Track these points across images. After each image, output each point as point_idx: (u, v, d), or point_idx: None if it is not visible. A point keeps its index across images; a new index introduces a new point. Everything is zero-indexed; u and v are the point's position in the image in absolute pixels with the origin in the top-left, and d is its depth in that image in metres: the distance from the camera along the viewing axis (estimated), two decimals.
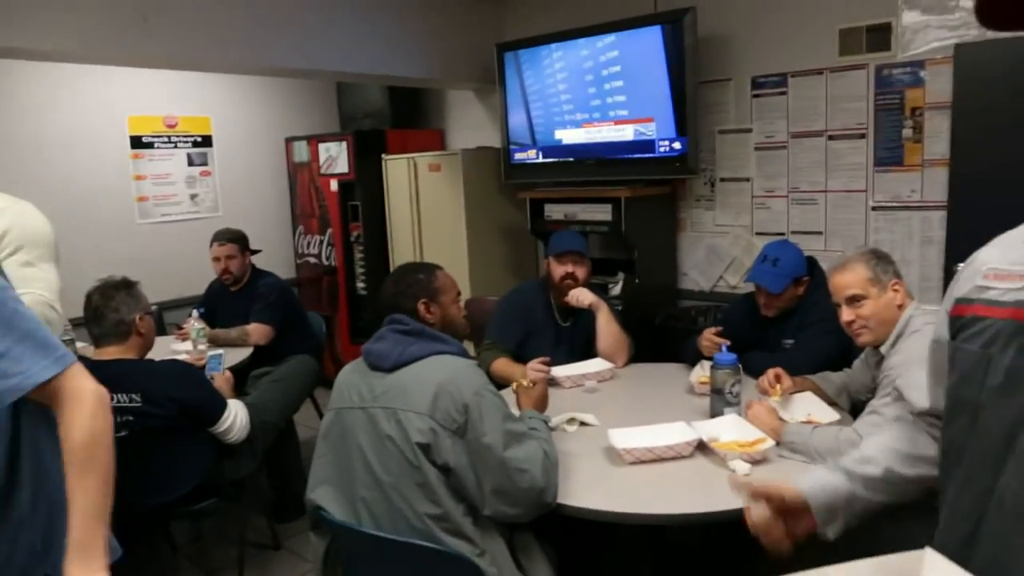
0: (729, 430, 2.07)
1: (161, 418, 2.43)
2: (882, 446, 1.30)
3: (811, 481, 1.26)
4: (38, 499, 1.23)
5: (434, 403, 1.79)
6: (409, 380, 1.85)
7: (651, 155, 3.88)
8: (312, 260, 5.45)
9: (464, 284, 4.52)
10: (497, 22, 4.78)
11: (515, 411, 2.03)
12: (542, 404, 2.20)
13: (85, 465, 1.15)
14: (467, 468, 1.78)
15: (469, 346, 4.31)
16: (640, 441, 2.02)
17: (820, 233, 3.68)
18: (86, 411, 1.17)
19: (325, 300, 5.33)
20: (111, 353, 2.51)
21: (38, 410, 1.22)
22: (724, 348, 2.27)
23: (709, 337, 2.64)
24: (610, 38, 3.90)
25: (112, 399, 2.31)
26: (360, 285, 5.21)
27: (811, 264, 2.73)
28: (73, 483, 1.15)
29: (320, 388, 3.86)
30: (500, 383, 2.79)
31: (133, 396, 2.42)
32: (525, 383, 2.24)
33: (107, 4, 3.09)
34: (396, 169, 4.95)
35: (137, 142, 4.94)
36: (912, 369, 1.26)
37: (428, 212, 4.80)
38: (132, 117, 4.92)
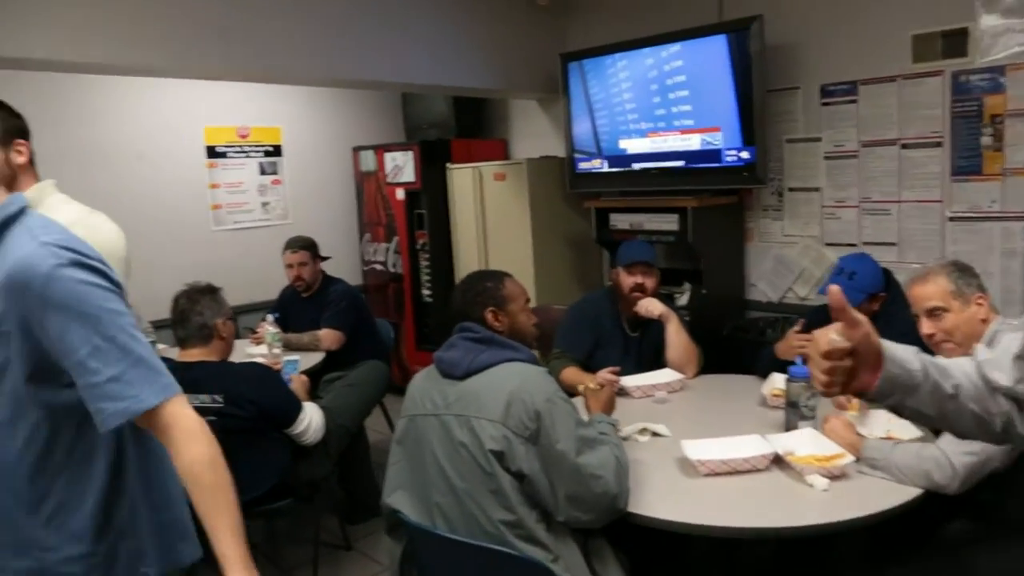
0: (805, 444, 2.05)
1: (241, 419, 2.52)
2: (966, 374, 1.18)
3: (895, 349, 1.11)
4: (138, 510, 1.29)
5: (507, 410, 1.82)
6: (481, 388, 1.88)
7: (718, 165, 3.86)
8: (378, 267, 5.56)
9: (529, 293, 4.54)
10: (560, 32, 4.82)
11: (584, 416, 2.05)
12: (610, 407, 2.23)
13: (215, 489, 1.20)
14: (540, 475, 1.80)
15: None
16: (715, 453, 2.02)
17: (894, 244, 3.60)
18: (198, 437, 1.22)
19: (391, 307, 5.42)
20: (194, 355, 2.61)
21: (139, 428, 1.28)
22: (799, 361, 2.24)
23: (797, 337, 2.60)
24: (675, 47, 3.90)
25: (195, 400, 2.43)
26: (425, 292, 5.29)
27: (887, 277, 2.68)
28: (208, 505, 1.19)
29: (389, 394, 3.93)
30: (570, 392, 2.82)
31: (215, 397, 2.51)
32: (592, 386, 2.26)
33: (187, 22, 3.22)
34: (461, 178, 5.02)
35: (212, 152, 5.12)
36: (996, 353, 1.19)
37: (493, 221, 4.86)
38: (208, 128, 5.10)
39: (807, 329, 2.73)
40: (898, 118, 3.52)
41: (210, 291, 2.65)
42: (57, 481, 1.20)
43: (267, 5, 3.45)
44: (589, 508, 1.79)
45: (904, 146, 3.52)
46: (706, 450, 2.05)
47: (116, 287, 1.22)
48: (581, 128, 4.45)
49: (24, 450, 1.18)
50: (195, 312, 2.58)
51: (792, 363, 2.25)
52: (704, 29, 3.80)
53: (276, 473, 2.68)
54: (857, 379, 1.07)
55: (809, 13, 3.75)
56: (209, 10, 3.27)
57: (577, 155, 4.51)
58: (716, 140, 3.84)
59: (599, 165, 4.41)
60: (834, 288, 1.03)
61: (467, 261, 5.00)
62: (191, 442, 1.21)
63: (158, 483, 1.32)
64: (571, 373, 2.88)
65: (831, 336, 1.03)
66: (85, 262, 1.18)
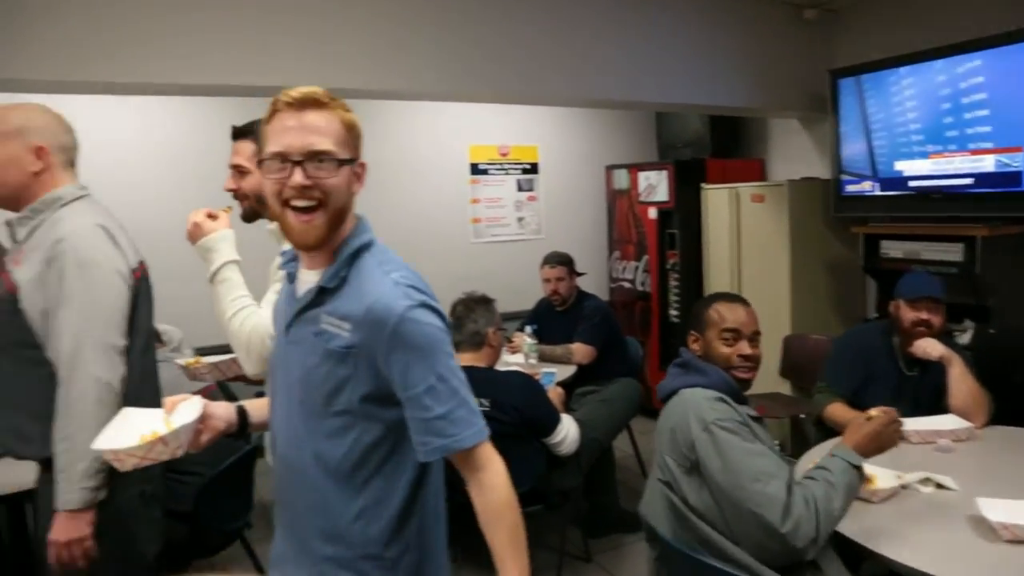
0: None
1: (504, 424, 2.66)
2: None
3: None
4: (424, 527, 1.38)
5: (672, 440, 1.83)
6: (663, 417, 1.93)
7: (1017, 189, 3.44)
8: (626, 285, 5.61)
9: (784, 320, 4.36)
10: (828, 47, 4.57)
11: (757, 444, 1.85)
12: (872, 444, 1.88)
13: (513, 529, 1.28)
14: (712, 507, 1.76)
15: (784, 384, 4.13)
16: (1021, 517, 1.80)
17: None
18: (504, 481, 1.30)
19: (637, 325, 5.44)
20: (465, 360, 2.80)
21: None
22: None
23: None
24: (974, 60, 3.53)
25: None
26: (673, 312, 5.25)
27: None
28: (504, 544, 1.27)
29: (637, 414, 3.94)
30: (836, 430, 2.66)
31: (483, 401, 2.67)
32: (874, 413, 1.95)
33: (461, 50, 3.48)
34: (716, 199, 4.92)
35: (475, 168, 5.47)
36: None
37: (749, 243, 4.71)
38: (473, 146, 5.46)
39: None
40: None
41: (485, 301, 2.84)
42: (370, 484, 1.32)
43: (530, 31, 3.63)
44: (758, 545, 1.70)
45: None
46: (1009, 512, 1.83)
47: (448, 327, 1.34)
48: (852, 148, 4.18)
49: (348, 451, 1.31)
50: (470, 319, 2.78)
51: None
52: (1014, 35, 3.40)
53: (531, 479, 2.80)
54: None
55: None
56: (479, 38, 3.52)
57: (844, 177, 4.25)
58: (1016, 162, 3.43)
59: (869, 188, 4.12)
60: None
61: (718, 283, 4.88)
62: (497, 484, 1.29)
63: (433, 508, 1.41)
64: (838, 409, 2.72)
65: None
66: (430, 304, 1.30)
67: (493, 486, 1.29)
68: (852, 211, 4.23)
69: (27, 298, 1.75)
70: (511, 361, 3.70)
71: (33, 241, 1.80)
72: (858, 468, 1.82)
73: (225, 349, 1.97)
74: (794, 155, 5.11)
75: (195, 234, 1.87)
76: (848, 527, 1.84)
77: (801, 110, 4.61)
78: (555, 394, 3.06)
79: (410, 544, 1.35)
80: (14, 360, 1.79)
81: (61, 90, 2.93)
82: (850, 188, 4.22)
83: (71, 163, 1.90)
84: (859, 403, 2.70)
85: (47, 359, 1.75)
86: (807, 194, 4.49)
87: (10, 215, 1.87)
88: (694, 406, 1.84)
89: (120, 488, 1.78)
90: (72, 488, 1.70)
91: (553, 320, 4.03)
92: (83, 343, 1.71)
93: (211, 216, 1.88)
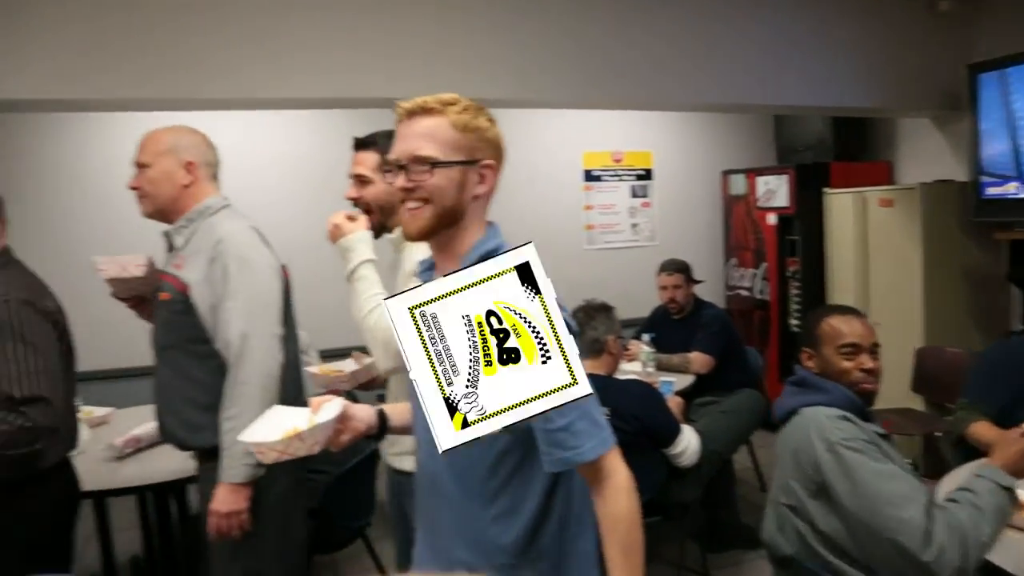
0: None
1: (624, 432, 2.61)
2: None
3: None
4: (558, 536, 1.37)
5: (795, 463, 1.74)
6: (783, 437, 1.83)
7: None
8: (743, 293, 5.46)
9: (916, 331, 4.13)
10: (964, 40, 4.29)
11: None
12: (1020, 464, 1.76)
13: (629, 547, 1.26)
14: (843, 533, 1.67)
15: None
16: None
17: None
18: (624, 494, 1.27)
19: (755, 334, 5.28)
20: (584, 368, 2.79)
21: None
22: None
23: None
24: None
25: None
26: (793, 322, 5.06)
27: None
28: (618, 561, 1.25)
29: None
30: (980, 450, 2.49)
31: (603, 409, 2.65)
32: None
33: (579, 58, 3.49)
34: (840, 203, 4.72)
35: (588, 175, 5.47)
36: None
37: (877, 250, 4.49)
38: (586, 153, 5.46)
39: None
40: None
41: (605, 309, 2.82)
42: (502, 492, 1.33)
43: (645, 37, 3.59)
44: (894, 571, 1.60)
45: None
46: None
47: (576, 335, 1.34)
48: (994, 148, 3.92)
49: (479, 459, 1.33)
50: (590, 327, 2.77)
51: None
52: None
53: (650, 489, 2.76)
54: None
55: None
56: (595, 46, 3.51)
57: (985, 178, 3.99)
58: None
59: (1014, 190, 3.84)
60: None
61: (842, 292, 4.68)
62: (620, 496, 1.26)
63: (578, 514, 1.39)
64: (984, 428, 2.54)
65: None
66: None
67: (612, 498, 1.27)
68: (993, 215, 3.96)
69: (198, 295, 1.94)
70: (627, 369, 3.66)
71: (191, 247, 2.00)
72: (1009, 490, 1.68)
73: (342, 354, 2.07)
74: (925, 156, 4.84)
75: (335, 234, 1.95)
76: (1000, 557, 1.71)
77: (934, 108, 4.36)
78: (674, 404, 3.01)
79: (545, 552, 1.35)
80: (187, 354, 1.98)
81: (208, 107, 3.15)
82: (991, 191, 3.96)
83: (215, 177, 2.11)
84: (1008, 423, 2.52)
85: (216, 351, 1.94)
86: (941, 197, 4.24)
87: (164, 226, 2.06)
88: (816, 425, 1.75)
89: (281, 475, 1.92)
90: (235, 464, 1.88)
91: (670, 328, 3.97)
92: (250, 332, 1.90)
93: (350, 218, 1.96)
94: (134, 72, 2.89)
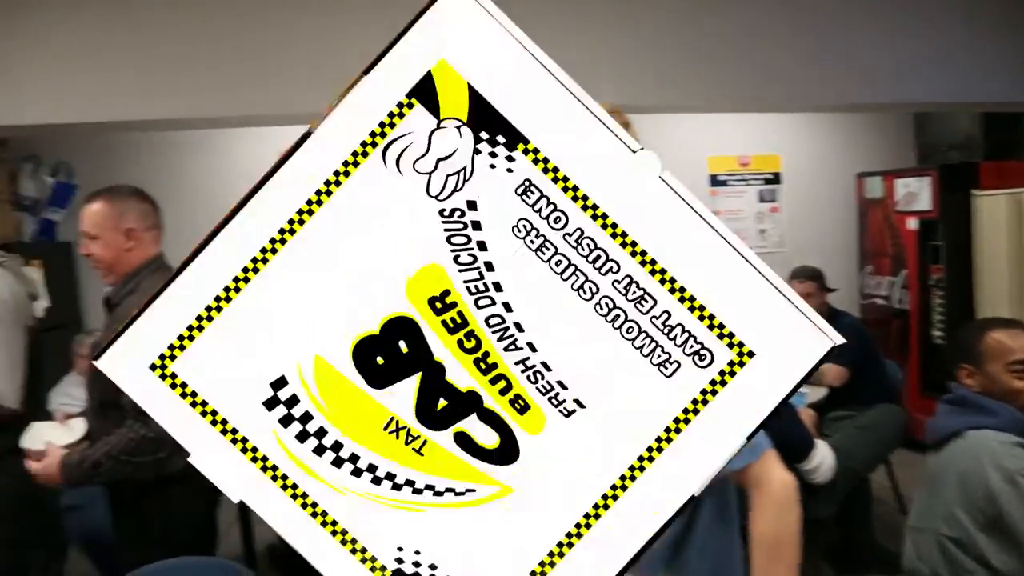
0: None
1: None
2: None
3: None
4: (703, 550, 1.33)
5: (961, 490, 1.61)
6: (943, 461, 1.69)
7: None
8: (880, 302, 5.17)
9: None
10: None
11: None
12: None
13: (771, 560, 1.17)
14: (1020, 571, 1.53)
15: None
16: None
17: None
18: (772, 503, 1.18)
19: (893, 346, 4.99)
20: None
21: None
22: None
23: None
24: None
25: None
26: (937, 334, 4.75)
27: None
28: (756, 567, 1.18)
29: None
30: None
31: None
32: None
33: (705, 59, 3.43)
34: (992, 206, 4.39)
35: (714, 180, 5.35)
36: None
37: None
38: (710, 157, 5.34)
39: None
40: None
41: None
42: None
43: (769, 35, 3.48)
44: None
45: None
46: None
47: None
48: None
49: None
50: None
51: None
52: None
53: None
54: None
55: None
56: (719, 48, 3.44)
57: None
58: None
59: None
60: None
61: (993, 303, 4.35)
62: (764, 501, 1.18)
63: (722, 527, 1.35)
64: None
65: None
66: None
67: (762, 511, 1.20)
68: None
69: None
70: None
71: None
72: None
73: None
74: None
75: None
76: None
77: None
78: (807, 416, 2.89)
79: (685, 565, 1.33)
80: None
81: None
82: None
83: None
84: None
85: None
86: None
87: None
88: (989, 453, 1.62)
89: None
90: None
91: None
92: None
93: None
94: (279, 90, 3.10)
